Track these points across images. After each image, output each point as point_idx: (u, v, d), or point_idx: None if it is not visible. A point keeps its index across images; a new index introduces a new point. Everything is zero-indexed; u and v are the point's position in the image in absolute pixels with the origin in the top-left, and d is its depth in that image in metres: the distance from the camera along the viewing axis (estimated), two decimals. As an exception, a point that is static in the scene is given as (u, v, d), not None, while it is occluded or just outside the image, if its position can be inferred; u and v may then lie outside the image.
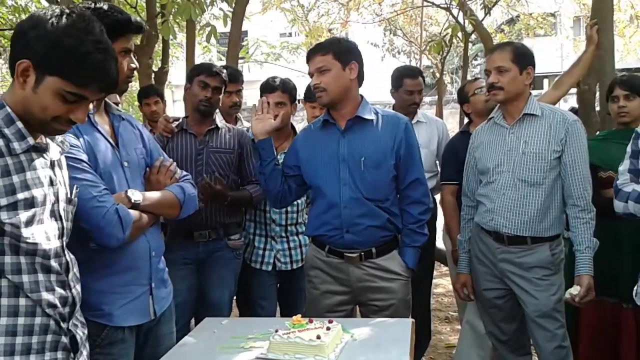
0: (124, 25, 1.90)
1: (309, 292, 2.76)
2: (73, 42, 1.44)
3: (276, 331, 1.97)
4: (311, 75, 2.59)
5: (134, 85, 11.27)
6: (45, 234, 1.49)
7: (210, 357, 1.99)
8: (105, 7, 1.89)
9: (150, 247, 2.00)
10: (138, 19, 1.98)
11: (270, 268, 3.26)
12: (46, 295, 1.49)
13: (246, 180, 3.19)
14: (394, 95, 3.77)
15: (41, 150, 1.52)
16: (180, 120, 3.17)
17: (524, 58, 2.68)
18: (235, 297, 3.38)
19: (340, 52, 2.55)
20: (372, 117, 2.61)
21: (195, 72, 3.13)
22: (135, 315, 1.95)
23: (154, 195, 2.01)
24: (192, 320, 3.22)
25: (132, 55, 1.97)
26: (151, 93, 4.76)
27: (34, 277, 1.48)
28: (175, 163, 2.17)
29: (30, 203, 1.45)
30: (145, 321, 1.99)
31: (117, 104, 2.82)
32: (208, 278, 3.11)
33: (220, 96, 3.13)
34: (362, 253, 2.60)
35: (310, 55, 2.60)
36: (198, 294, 3.12)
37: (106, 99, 2.04)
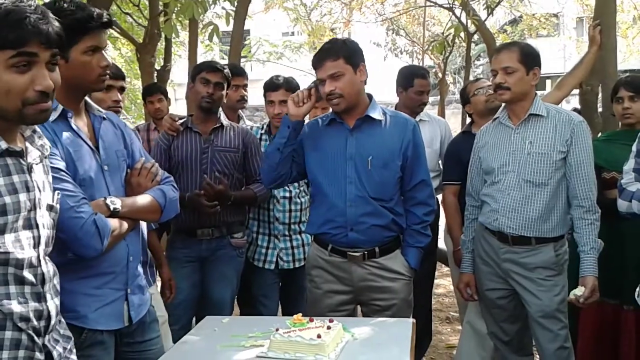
0: (84, 23, 1.81)
1: (311, 291, 2.75)
2: None
3: (277, 330, 1.97)
4: (322, 81, 2.54)
5: (137, 84, 11.28)
6: (18, 242, 1.41)
7: (211, 355, 1.98)
8: (65, 4, 1.80)
9: (128, 251, 1.96)
10: (98, 11, 1.85)
11: (272, 266, 3.26)
12: (18, 308, 1.41)
13: (251, 179, 3.18)
14: (401, 95, 3.75)
15: (16, 154, 1.45)
16: (186, 118, 3.17)
17: (531, 58, 2.67)
18: (236, 296, 3.38)
19: (350, 55, 2.52)
20: (381, 117, 2.61)
21: (197, 70, 3.14)
22: (109, 320, 1.90)
23: (134, 201, 1.95)
24: (194, 318, 3.23)
25: (103, 53, 1.87)
26: (155, 91, 4.77)
27: (4, 288, 1.40)
28: (157, 164, 2.11)
29: (2, 211, 1.38)
30: (119, 327, 1.94)
31: (117, 101, 2.81)
32: (211, 276, 3.11)
33: (223, 92, 3.12)
34: (366, 252, 2.60)
35: (319, 61, 2.53)
36: (200, 292, 3.13)
37: (88, 99, 1.99)
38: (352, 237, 2.58)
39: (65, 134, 1.84)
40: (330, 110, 2.70)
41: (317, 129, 2.70)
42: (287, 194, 3.27)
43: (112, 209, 1.85)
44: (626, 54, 11.75)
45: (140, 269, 2.05)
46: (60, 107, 1.85)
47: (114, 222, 1.84)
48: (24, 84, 1.40)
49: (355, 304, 2.73)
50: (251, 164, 3.17)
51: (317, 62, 2.55)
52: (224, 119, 3.18)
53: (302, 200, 3.30)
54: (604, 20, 3.59)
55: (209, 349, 2.03)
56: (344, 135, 2.60)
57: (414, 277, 2.71)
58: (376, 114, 2.60)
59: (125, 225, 1.89)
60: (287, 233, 3.29)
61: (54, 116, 1.82)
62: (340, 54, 2.50)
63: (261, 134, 3.38)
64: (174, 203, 2.08)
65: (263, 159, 2.72)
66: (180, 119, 3.17)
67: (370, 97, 2.65)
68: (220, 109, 3.62)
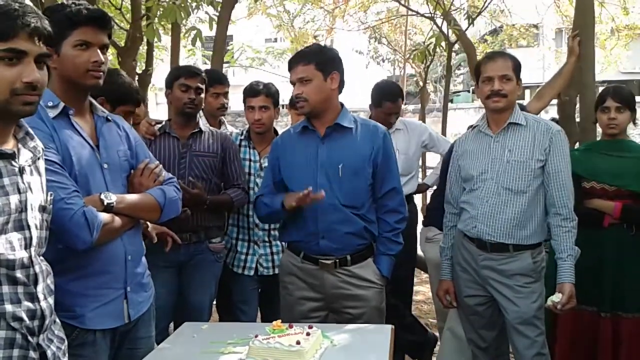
0: (71, 17, 1.84)
1: (284, 298, 2.74)
2: None
3: (256, 336, 1.96)
4: (293, 83, 2.59)
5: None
6: (9, 243, 1.42)
7: (190, 361, 1.97)
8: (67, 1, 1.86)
9: (126, 251, 1.96)
10: (90, 8, 1.89)
11: (252, 272, 3.25)
12: (11, 308, 1.42)
13: (229, 184, 3.17)
14: (372, 110, 3.85)
15: (6, 156, 1.45)
16: (163, 123, 3.15)
17: (519, 69, 2.71)
18: (215, 302, 3.35)
19: (323, 62, 2.55)
20: (351, 125, 2.63)
21: (174, 76, 3.11)
22: (108, 319, 1.92)
23: (131, 197, 1.96)
24: (171, 325, 3.20)
25: (98, 51, 1.87)
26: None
27: None
28: (161, 165, 2.13)
29: None
30: (118, 325, 1.96)
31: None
32: (189, 281, 3.08)
33: (202, 95, 3.11)
34: (337, 260, 2.60)
35: (292, 64, 2.59)
36: (178, 298, 3.10)
37: (93, 100, 2.02)
38: (323, 244, 2.59)
39: (64, 131, 1.86)
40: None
41: (290, 139, 2.72)
42: (267, 201, 3.26)
43: (105, 203, 1.86)
44: (604, 65, 11.91)
45: (141, 267, 2.06)
46: (62, 105, 1.88)
47: (106, 216, 1.84)
48: (10, 76, 1.42)
49: (328, 311, 2.70)
50: (230, 169, 3.16)
51: (291, 64, 2.60)
52: (202, 124, 3.16)
53: (282, 206, 3.29)
54: (583, 32, 3.65)
55: (188, 356, 2.01)
56: (315, 143, 2.61)
57: (390, 285, 2.71)
58: (346, 122, 2.61)
59: (119, 220, 1.90)
60: (266, 239, 3.28)
61: (54, 113, 1.85)
62: (314, 60, 2.54)
63: (240, 140, 3.37)
64: (175, 203, 2.08)
65: (260, 205, 2.78)
66: (157, 123, 3.15)
67: (341, 105, 2.66)
68: (202, 114, 3.60)
